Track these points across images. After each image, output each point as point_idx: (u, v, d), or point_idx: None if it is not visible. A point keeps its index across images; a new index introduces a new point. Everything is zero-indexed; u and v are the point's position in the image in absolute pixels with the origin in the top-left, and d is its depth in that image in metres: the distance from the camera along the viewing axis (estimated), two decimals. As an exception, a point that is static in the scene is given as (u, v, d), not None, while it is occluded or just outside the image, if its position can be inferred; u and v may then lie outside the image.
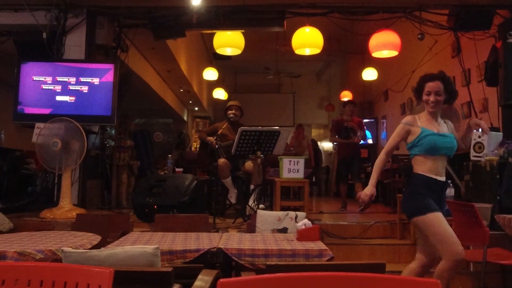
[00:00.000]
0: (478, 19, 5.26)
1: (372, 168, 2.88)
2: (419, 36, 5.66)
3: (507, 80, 4.75)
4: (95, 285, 1.28)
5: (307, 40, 5.76)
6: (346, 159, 6.27)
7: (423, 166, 2.68)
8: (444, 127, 2.77)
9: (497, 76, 4.87)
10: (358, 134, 6.12)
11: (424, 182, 2.65)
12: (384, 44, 5.76)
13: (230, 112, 5.37)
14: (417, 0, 5.36)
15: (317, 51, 5.91)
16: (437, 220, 2.53)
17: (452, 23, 5.50)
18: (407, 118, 2.81)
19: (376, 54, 5.96)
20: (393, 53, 5.88)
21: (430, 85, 2.70)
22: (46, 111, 5.00)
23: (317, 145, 11.06)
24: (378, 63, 8.50)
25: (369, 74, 8.72)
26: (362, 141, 6.59)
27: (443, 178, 2.68)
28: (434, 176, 2.65)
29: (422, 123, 2.74)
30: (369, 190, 2.75)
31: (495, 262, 3.06)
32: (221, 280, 1.10)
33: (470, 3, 5.31)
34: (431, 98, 2.70)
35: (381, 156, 2.84)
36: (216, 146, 4.98)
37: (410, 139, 2.74)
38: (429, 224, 2.55)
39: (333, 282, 1.23)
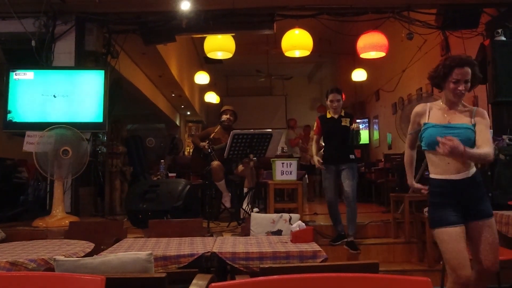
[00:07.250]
0: (465, 17, 5.32)
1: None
2: (408, 35, 5.70)
3: (496, 78, 4.81)
4: (87, 293, 1.27)
5: (297, 42, 5.78)
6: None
7: (433, 166, 2.39)
8: (463, 117, 2.38)
9: (486, 74, 4.92)
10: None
11: (436, 187, 2.36)
12: (371, 46, 5.83)
13: (225, 116, 5.34)
14: (405, 0, 5.40)
15: (306, 53, 5.93)
16: (443, 236, 2.26)
17: (440, 22, 5.56)
18: (417, 108, 2.51)
19: (364, 56, 6.03)
20: (381, 54, 5.96)
21: (459, 72, 2.31)
22: (37, 119, 4.95)
23: None
24: (369, 63, 8.55)
25: (358, 75, 8.78)
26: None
27: (460, 175, 2.29)
28: (446, 177, 2.31)
29: (432, 114, 2.42)
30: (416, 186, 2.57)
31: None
32: (213, 284, 1.09)
33: (457, 2, 5.36)
34: (461, 87, 2.32)
35: (406, 151, 2.65)
36: (209, 150, 4.98)
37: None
38: (437, 239, 2.31)
39: (327, 283, 1.24)
